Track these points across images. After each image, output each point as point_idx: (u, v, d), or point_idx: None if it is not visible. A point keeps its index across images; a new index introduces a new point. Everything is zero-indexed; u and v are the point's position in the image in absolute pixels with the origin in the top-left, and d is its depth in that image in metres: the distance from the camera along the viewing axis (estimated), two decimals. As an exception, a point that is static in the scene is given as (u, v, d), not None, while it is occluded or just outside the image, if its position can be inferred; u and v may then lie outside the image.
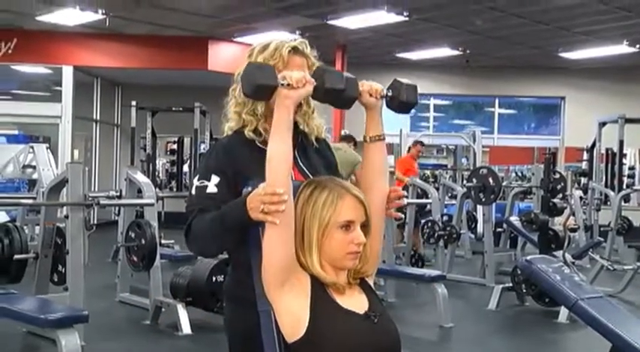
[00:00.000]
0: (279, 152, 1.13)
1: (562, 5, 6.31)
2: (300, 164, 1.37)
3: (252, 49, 1.38)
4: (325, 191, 1.17)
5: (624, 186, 6.84)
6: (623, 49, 7.95)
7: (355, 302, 1.18)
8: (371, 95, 1.25)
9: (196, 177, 1.33)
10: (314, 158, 1.40)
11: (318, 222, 1.15)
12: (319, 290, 1.15)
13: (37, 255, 3.48)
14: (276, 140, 1.13)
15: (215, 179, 1.30)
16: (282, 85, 1.14)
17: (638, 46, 7.84)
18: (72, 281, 3.28)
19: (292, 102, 1.15)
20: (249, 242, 1.23)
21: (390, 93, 1.27)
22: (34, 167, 5.60)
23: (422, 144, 6.93)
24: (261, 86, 1.15)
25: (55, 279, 3.51)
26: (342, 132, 6.03)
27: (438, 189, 6.17)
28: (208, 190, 1.29)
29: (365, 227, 1.18)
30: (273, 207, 1.10)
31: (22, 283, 3.45)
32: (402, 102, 1.27)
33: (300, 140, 1.38)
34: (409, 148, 6.93)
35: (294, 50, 1.35)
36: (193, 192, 1.31)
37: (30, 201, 4.95)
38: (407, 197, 5.65)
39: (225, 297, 1.38)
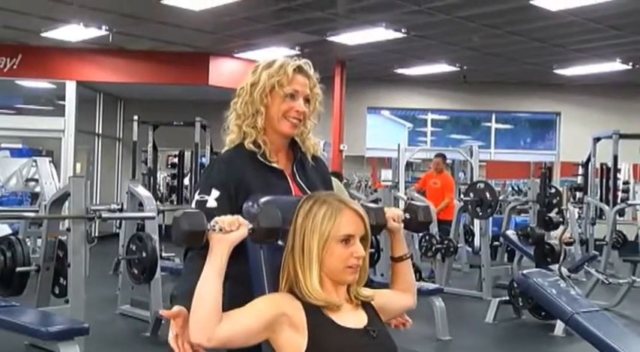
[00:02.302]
0: (205, 293, 1.11)
1: (557, 23, 6.41)
2: (299, 179, 1.41)
3: (257, 65, 1.41)
4: (324, 205, 1.18)
5: (619, 201, 6.87)
6: (616, 66, 8.05)
7: (354, 318, 1.19)
8: (394, 220, 1.33)
9: (197, 191, 1.34)
10: (311, 174, 1.44)
11: (318, 237, 1.16)
12: (314, 314, 1.15)
13: (38, 267, 3.50)
14: (206, 281, 1.11)
15: (215, 193, 1.31)
16: (214, 229, 1.12)
17: (630, 63, 7.95)
18: (73, 293, 3.29)
19: (226, 246, 1.12)
20: (248, 255, 1.25)
21: (408, 216, 1.37)
22: (36, 180, 5.64)
23: (437, 156, 6.39)
24: (189, 233, 1.11)
25: (57, 292, 3.52)
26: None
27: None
28: (208, 204, 1.30)
29: (364, 240, 1.19)
30: None
31: (24, 295, 3.48)
32: (420, 222, 1.38)
33: (299, 157, 1.43)
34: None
35: (299, 69, 1.38)
36: (193, 205, 1.32)
37: (32, 214, 4.96)
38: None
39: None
